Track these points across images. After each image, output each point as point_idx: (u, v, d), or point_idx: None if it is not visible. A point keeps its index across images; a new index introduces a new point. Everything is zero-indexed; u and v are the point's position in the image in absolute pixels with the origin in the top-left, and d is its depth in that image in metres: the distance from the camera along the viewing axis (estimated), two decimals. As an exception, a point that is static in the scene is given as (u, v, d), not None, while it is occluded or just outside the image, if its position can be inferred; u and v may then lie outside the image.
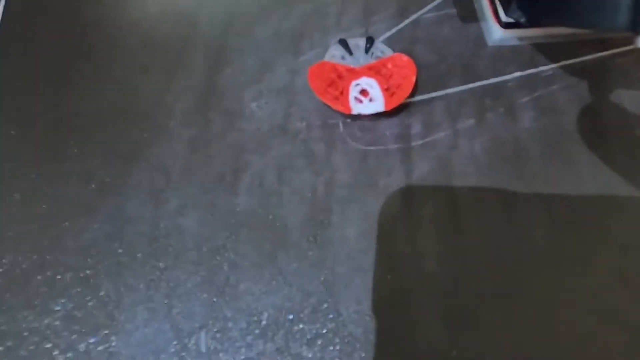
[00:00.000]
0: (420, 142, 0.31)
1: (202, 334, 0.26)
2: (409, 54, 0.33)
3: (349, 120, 0.32)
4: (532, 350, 0.25)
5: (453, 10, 0.36)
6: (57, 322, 0.26)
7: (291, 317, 0.26)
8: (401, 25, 0.35)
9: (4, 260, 0.28)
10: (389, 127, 0.31)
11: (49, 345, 0.26)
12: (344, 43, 0.32)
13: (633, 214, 0.28)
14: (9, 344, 0.26)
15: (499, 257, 0.27)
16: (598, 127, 0.31)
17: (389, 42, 0.34)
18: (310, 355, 0.25)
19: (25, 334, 0.26)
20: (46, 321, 0.26)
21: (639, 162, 0.30)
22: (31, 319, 0.26)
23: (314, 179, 0.30)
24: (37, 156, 0.31)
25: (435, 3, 0.36)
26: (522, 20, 0.32)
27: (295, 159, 0.30)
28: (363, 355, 0.25)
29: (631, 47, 0.34)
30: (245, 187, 0.30)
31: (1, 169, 0.30)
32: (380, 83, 0.30)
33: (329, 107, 0.31)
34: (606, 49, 0.34)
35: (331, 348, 0.25)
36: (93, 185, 0.30)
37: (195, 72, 0.33)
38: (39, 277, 0.27)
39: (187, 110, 0.32)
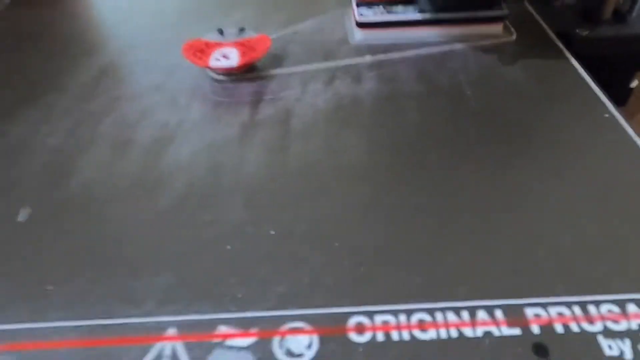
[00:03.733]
0: (270, 97, 0.35)
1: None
2: (283, 51, 0.39)
3: (215, 83, 0.37)
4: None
5: (328, 25, 0.44)
6: None
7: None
8: (280, 33, 0.42)
9: None
10: (246, 87, 0.36)
11: None
12: (220, 30, 0.39)
13: (449, 150, 0.30)
14: None
15: (315, 164, 0.29)
16: (429, 89, 0.35)
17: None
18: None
19: None
20: None
21: (463, 110, 0.33)
22: None
23: (169, 117, 0.34)
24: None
25: (314, 20, 0.44)
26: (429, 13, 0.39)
27: (159, 106, 0.35)
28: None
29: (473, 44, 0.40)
30: (110, 121, 0.34)
31: None
32: (239, 50, 0.36)
33: (203, 76, 0.36)
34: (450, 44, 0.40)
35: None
36: None
37: (104, 57, 0.41)
38: None
39: (86, 76, 0.38)
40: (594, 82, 0.34)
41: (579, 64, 0.36)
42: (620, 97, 0.49)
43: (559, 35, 0.42)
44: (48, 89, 0.37)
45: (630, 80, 0.48)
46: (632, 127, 0.30)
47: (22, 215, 0.27)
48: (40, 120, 0.34)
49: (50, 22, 0.47)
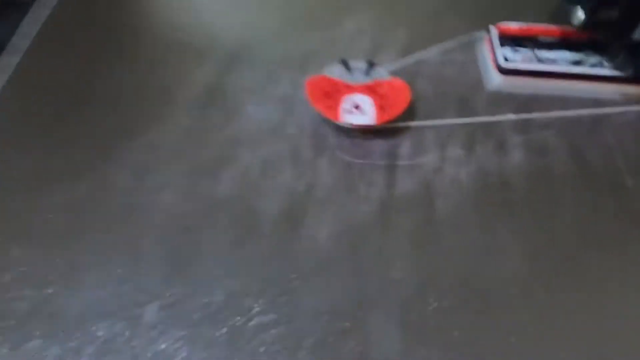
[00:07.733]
0: (406, 162, 0.31)
1: (153, 306, 0.25)
2: (409, 85, 0.34)
3: (341, 133, 0.33)
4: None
5: (457, 56, 0.38)
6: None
7: (245, 304, 0.25)
8: (406, 61, 0.37)
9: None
10: (378, 145, 0.32)
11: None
12: (344, 63, 0.34)
13: (612, 254, 0.27)
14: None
15: (470, 273, 0.26)
16: (585, 172, 0.31)
17: (391, 74, 0.36)
18: (254, 343, 0.24)
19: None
20: None
21: (625, 208, 0.29)
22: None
23: (297, 179, 0.30)
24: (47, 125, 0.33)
25: (440, 47, 0.38)
26: (628, 74, 0.34)
27: (282, 159, 0.31)
28: (308, 354, 0.24)
29: (623, 109, 0.35)
30: (229, 175, 0.30)
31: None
32: (374, 100, 0.32)
33: (323, 119, 0.32)
34: (600, 107, 0.35)
35: (277, 342, 0.24)
36: (79, 155, 0.31)
37: (206, 72, 0.36)
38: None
39: (191, 104, 0.34)
40: None
41: None
42: None
43: None
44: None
45: None
46: None
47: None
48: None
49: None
